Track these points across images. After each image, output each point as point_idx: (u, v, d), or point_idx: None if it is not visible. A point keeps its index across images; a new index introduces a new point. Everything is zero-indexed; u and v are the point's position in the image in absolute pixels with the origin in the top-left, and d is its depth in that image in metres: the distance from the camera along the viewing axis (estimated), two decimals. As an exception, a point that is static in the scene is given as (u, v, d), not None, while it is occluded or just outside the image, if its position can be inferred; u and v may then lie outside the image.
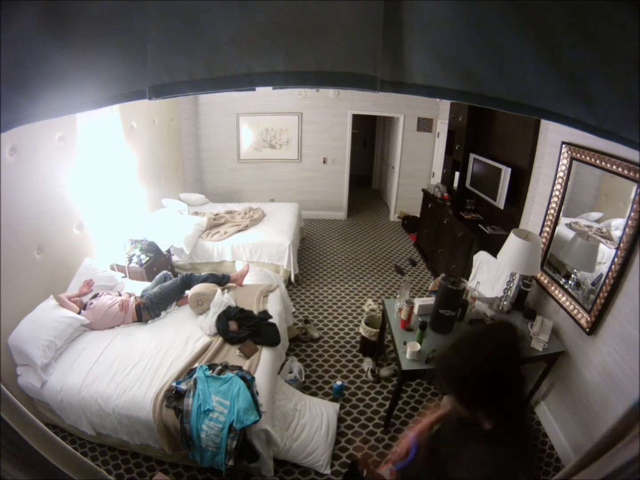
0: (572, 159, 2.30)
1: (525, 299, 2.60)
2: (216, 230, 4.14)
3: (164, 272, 3.05)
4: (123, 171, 3.53)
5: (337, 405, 2.55)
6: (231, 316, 2.57)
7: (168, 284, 2.83)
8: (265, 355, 2.39)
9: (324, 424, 2.34)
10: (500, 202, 3.30)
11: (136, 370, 2.21)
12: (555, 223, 2.48)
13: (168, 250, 3.72)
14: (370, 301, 3.76)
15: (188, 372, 2.16)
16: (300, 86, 0.63)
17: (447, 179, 4.63)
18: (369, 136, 8.08)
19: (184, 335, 2.54)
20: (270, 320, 2.66)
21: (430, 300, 2.48)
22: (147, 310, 2.65)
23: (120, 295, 2.77)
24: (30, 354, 2.13)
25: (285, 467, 2.20)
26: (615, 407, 1.88)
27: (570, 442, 2.22)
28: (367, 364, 2.92)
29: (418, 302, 2.47)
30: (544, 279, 2.55)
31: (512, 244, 2.34)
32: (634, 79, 0.50)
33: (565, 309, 2.30)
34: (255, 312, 2.74)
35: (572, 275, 2.33)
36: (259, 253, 3.97)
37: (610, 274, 1.95)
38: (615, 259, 1.92)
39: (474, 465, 1.00)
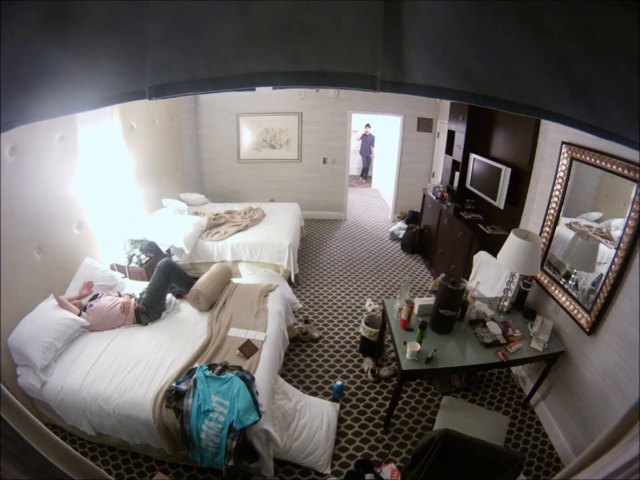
0: (572, 159, 2.30)
1: (525, 299, 2.60)
2: (216, 230, 4.14)
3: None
4: (123, 171, 3.54)
5: (337, 405, 2.55)
6: None
7: (152, 283, 2.77)
8: (265, 355, 2.38)
9: (324, 424, 2.34)
10: (500, 202, 3.30)
11: (136, 370, 2.21)
12: (555, 223, 2.47)
13: (168, 250, 3.72)
14: (370, 301, 3.76)
15: (188, 372, 2.16)
16: (300, 86, 0.63)
17: (447, 179, 4.63)
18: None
19: (183, 335, 2.55)
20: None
21: (430, 300, 2.48)
22: (145, 315, 2.65)
23: (120, 295, 2.77)
24: (29, 356, 2.13)
25: (285, 467, 2.20)
26: (615, 407, 1.88)
27: (570, 442, 2.22)
28: (367, 364, 2.92)
29: (418, 302, 2.47)
30: (544, 279, 2.55)
31: (512, 244, 2.34)
32: (634, 79, 0.50)
33: (565, 309, 2.30)
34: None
35: (572, 275, 2.33)
36: (259, 253, 3.97)
37: (610, 274, 1.95)
38: (615, 259, 1.92)
39: None
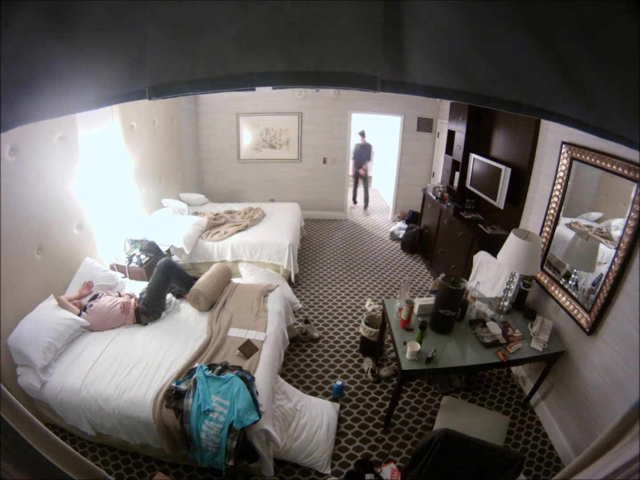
0: (572, 159, 2.30)
1: (525, 299, 2.60)
2: (216, 230, 4.14)
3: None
4: (123, 171, 3.53)
5: (337, 405, 2.55)
6: None
7: (152, 283, 2.77)
8: (265, 355, 2.38)
9: (324, 424, 2.34)
10: (500, 202, 3.30)
11: (136, 370, 2.21)
12: (555, 223, 2.47)
13: (168, 250, 3.72)
14: (370, 301, 3.76)
15: (188, 372, 2.16)
16: (300, 86, 0.63)
17: (447, 179, 4.63)
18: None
19: (183, 335, 2.54)
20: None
21: (430, 300, 2.48)
22: (145, 315, 2.65)
23: (120, 295, 2.77)
24: (29, 356, 2.13)
25: (285, 467, 2.20)
26: (615, 407, 1.88)
27: (570, 442, 2.22)
28: (367, 364, 2.92)
29: (418, 302, 2.47)
30: (544, 279, 2.55)
31: (512, 244, 2.34)
32: (634, 79, 0.50)
33: (565, 309, 2.30)
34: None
35: (572, 275, 2.33)
36: (259, 253, 3.97)
37: (610, 274, 1.95)
38: (615, 259, 1.92)
39: None
